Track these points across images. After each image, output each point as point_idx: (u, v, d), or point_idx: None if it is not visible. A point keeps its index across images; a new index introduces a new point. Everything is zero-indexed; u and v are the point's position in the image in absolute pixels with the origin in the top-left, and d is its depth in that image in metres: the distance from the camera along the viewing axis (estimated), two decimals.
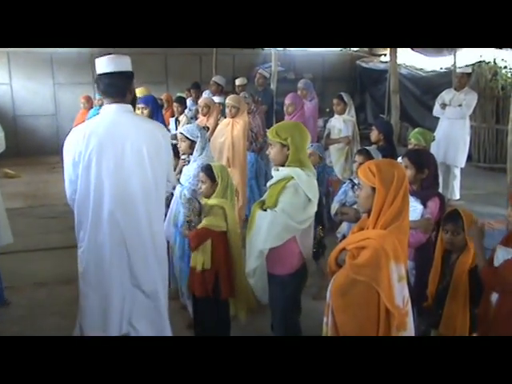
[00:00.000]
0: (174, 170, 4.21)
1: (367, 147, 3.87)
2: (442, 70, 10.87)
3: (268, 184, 2.99)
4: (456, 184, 7.19)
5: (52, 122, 10.99)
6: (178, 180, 4.00)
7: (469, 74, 7.24)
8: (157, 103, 5.00)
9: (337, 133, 5.80)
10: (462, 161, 7.09)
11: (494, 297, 2.62)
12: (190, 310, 3.84)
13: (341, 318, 2.30)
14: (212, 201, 3.37)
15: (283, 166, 2.89)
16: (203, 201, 3.47)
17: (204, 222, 3.33)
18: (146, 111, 4.95)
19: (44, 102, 10.86)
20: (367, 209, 2.33)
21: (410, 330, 2.29)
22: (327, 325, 2.39)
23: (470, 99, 6.90)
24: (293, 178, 2.81)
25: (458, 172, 7.12)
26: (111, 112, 2.72)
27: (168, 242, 4.12)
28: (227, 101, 5.47)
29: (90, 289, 2.78)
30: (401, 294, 2.23)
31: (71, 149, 2.68)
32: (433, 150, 6.92)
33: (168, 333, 2.89)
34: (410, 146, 4.47)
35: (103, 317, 2.75)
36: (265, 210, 2.86)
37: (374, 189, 2.27)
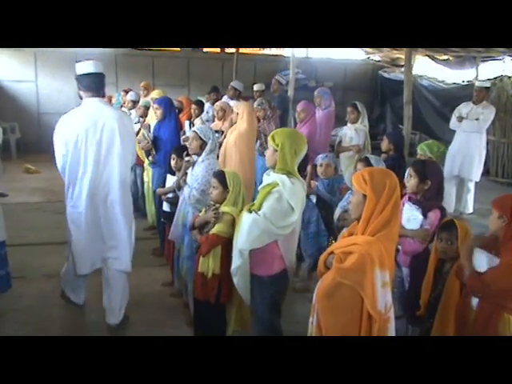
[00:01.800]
0: (179, 170, 4.32)
1: (368, 155, 3.92)
2: (463, 83, 10.83)
3: (259, 188, 3.07)
4: (470, 198, 7.14)
5: None
6: (185, 181, 4.10)
7: (487, 88, 7.18)
8: (170, 105, 5.11)
9: (348, 141, 5.86)
10: (476, 175, 7.03)
11: (475, 301, 2.65)
12: (192, 309, 3.93)
13: (325, 319, 2.36)
14: (224, 208, 3.40)
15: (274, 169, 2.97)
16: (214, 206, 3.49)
17: (215, 228, 3.36)
18: (159, 111, 5.15)
19: (68, 101, 11.07)
20: (358, 215, 2.39)
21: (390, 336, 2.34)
22: (312, 324, 2.46)
23: (487, 113, 6.84)
24: (278, 184, 2.88)
25: (472, 186, 7.08)
26: (93, 103, 3.63)
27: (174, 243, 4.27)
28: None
29: (74, 236, 3.78)
30: (384, 300, 2.28)
31: (63, 130, 3.60)
32: (448, 162, 6.99)
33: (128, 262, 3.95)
34: (417, 156, 4.50)
35: (83, 256, 3.81)
36: (251, 213, 2.94)
37: (365, 196, 2.33)
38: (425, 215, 3.20)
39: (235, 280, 3.07)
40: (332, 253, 2.44)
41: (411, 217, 3.24)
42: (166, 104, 5.11)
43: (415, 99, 12.12)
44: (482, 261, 2.63)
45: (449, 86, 11.37)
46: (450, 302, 2.85)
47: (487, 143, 9.11)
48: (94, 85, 3.62)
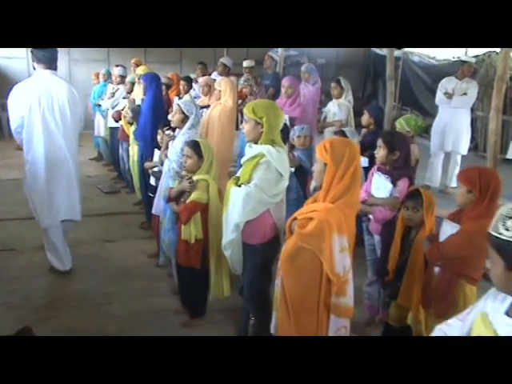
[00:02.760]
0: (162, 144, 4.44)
1: (344, 128, 4.02)
2: (453, 60, 10.83)
3: (242, 161, 3.14)
4: (456, 172, 7.25)
5: None
6: (166, 155, 4.20)
7: (472, 64, 7.27)
8: (151, 80, 5.12)
9: (332, 116, 5.96)
10: (464, 148, 7.17)
11: (437, 269, 2.78)
12: (176, 278, 4.08)
13: (288, 281, 2.50)
14: (198, 176, 3.55)
15: (256, 142, 3.03)
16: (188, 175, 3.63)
17: (193, 196, 3.51)
18: (141, 86, 5.31)
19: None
20: (320, 182, 2.51)
21: (349, 297, 2.50)
22: (277, 286, 2.60)
23: (473, 88, 6.94)
24: (265, 155, 2.95)
25: (459, 159, 7.19)
26: (45, 74, 4.17)
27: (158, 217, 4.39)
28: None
29: (33, 192, 4.31)
30: (342, 264, 2.42)
31: (17, 96, 4.12)
32: (436, 138, 7.15)
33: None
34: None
35: (43, 211, 4.32)
36: (239, 186, 3.01)
37: (326, 165, 2.44)
38: (394, 184, 3.32)
39: (228, 253, 3.15)
40: (295, 218, 2.56)
41: (381, 186, 3.37)
42: (146, 79, 5.17)
43: (406, 76, 12.17)
44: (450, 231, 2.74)
45: (439, 62, 11.37)
46: (415, 267, 2.99)
47: (475, 119, 9.27)
48: (46, 58, 4.14)
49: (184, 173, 3.67)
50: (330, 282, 2.43)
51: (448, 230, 2.70)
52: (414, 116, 4.78)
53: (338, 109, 5.90)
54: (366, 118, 4.94)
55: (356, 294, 3.63)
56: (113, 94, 7.37)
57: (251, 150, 3.06)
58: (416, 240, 3.03)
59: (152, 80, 5.13)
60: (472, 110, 10.17)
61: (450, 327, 1.70)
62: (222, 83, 5.56)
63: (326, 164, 2.45)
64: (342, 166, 2.40)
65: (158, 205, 4.24)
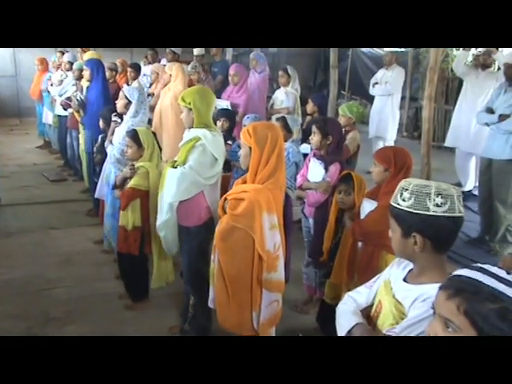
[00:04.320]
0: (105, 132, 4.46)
1: (286, 115, 4.16)
2: (400, 50, 11.16)
3: (179, 145, 3.21)
4: None
5: (12, 84, 10.94)
6: (111, 141, 4.22)
7: (396, 53, 7.93)
8: (97, 67, 5.11)
9: (279, 104, 6.08)
10: (391, 134, 7.64)
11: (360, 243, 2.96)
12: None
13: (223, 258, 2.63)
14: (138, 163, 3.60)
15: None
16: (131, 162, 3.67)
17: (131, 183, 3.56)
18: (86, 73, 5.25)
19: (4, 63, 10.80)
20: (246, 166, 2.62)
21: (279, 273, 2.63)
22: (214, 262, 2.72)
23: (395, 76, 7.39)
24: (200, 138, 3.04)
25: (388, 144, 7.51)
26: None
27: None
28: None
29: None
30: (272, 241, 2.55)
31: None
32: (370, 124, 7.69)
33: None
34: (338, 118, 4.79)
35: None
36: (175, 168, 3.08)
37: (251, 149, 2.55)
38: (326, 169, 3.47)
39: (162, 234, 3.22)
40: (226, 199, 2.67)
41: (316, 171, 3.52)
42: (92, 66, 5.14)
43: (356, 66, 12.46)
44: (369, 208, 2.91)
45: (387, 52, 11.67)
46: (347, 247, 3.14)
47: (420, 108, 9.62)
48: None
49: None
50: (261, 259, 2.55)
51: (367, 207, 2.86)
52: (355, 103, 4.97)
53: (285, 96, 6.03)
54: (310, 107, 5.12)
55: (297, 275, 3.85)
56: (61, 82, 7.26)
57: (189, 134, 3.14)
58: (347, 222, 3.19)
59: (98, 66, 5.10)
60: (416, 99, 10.65)
61: (359, 294, 1.85)
62: (173, 68, 5.57)
63: (251, 148, 2.56)
64: (267, 149, 2.52)
65: (101, 189, 4.28)
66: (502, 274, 1.14)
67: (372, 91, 7.73)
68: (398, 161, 2.71)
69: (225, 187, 4.38)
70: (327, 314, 2.84)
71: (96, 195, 4.44)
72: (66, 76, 7.26)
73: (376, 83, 7.57)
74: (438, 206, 1.51)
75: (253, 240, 2.52)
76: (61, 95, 7.09)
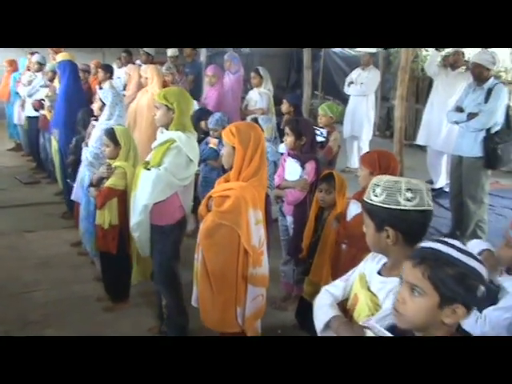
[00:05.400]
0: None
1: (258, 116, 4.21)
2: (371, 50, 11.32)
3: (153, 146, 3.22)
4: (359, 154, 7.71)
5: None
6: (86, 144, 4.21)
7: (372, 54, 8.01)
8: (64, 68, 5.03)
9: (253, 104, 6.15)
10: (367, 134, 7.72)
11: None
12: (98, 265, 4.12)
13: (208, 255, 2.66)
14: (116, 163, 3.60)
15: (167, 128, 3.13)
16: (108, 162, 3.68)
17: (108, 182, 3.56)
18: (58, 74, 5.24)
19: None
20: (230, 165, 2.67)
21: (264, 267, 2.71)
22: (197, 261, 2.75)
23: (371, 77, 7.50)
24: (175, 140, 3.06)
25: (363, 144, 7.65)
26: None
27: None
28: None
29: None
30: (257, 236, 2.62)
31: None
32: (345, 123, 7.70)
33: None
34: (318, 117, 4.88)
35: None
36: (148, 170, 3.09)
37: (234, 148, 2.60)
38: (303, 167, 3.54)
39: (136, 234, 3.23)
40: (211, 197, 2.71)
41: (292, 170, 3.59)
42: (60, 67, 5.11)
43: (328, 66, 12.61)
44: (356, 211, 2.96)
45: (359, 53, 11.84)
46: (327, 244, 3.22)
47: (391, 108, 9.78)
48: None
49: (107, 160, 3.71)
50: (246, 255, 2.61)
51: (353, 209, 2.91)
52: (334, 103, 5.08)
53: (259, 97, 6.10)
54: (285, 107, 5.20)
55: (274, 273, 3.90)
56: (30, 82, 7.17)
57: (162, 136, 3.17)
58: (328, 220, 3.26)
59: (65, 67, 5.06)
60: (388, 99, 10.84)
61: (335, 287, 1.91)
62: (148, 70, 5.59)
63: (233, 147, 2.61)
64: (250, 149, 2.57)
65: (77, 191, 4.26)
66: (460, 245, 1.32)
67: (347, 90, 7.79)
68: (382, 164, 2.78)
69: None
70: (306, 310, 2.87)
71: (72, 197, 4.41)
72: (36, 77, 7.18)
73: (351, 82, 7.62)
74: (408, 200, 1.58)
75: (238, 236, 2.57)
76: (30, 95, 7.02)
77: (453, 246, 1.32)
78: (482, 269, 1.30)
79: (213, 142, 4.53)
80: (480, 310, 2.07)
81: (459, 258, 1.29)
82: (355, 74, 7.69)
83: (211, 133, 4.58)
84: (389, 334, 1.33)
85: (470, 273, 1.28)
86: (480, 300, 1.30)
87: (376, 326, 1.40)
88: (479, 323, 2.05)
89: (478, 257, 1.33)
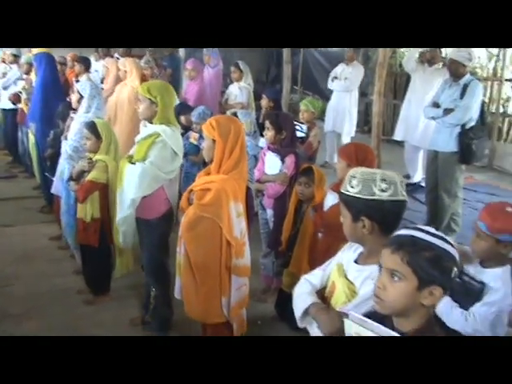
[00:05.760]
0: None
1: (238, 110, 4.26)
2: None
3: (136, 139, 3.23)
4: None
5: None
6: (65, 137, 4.20)
7: (355, 50, 7.98)
8: (40, 60, 4.97)
9: (233, 98, 6.18)
10: (349, 130, 7.76)
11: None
12: (78, 258, 4.12)
13: (190, 248, 2.70)
14: (97, 156, 3.61)
15: (150, 121, 3.14)
16: (88, 155, 3.68)
17: (90, 176, 3.56)
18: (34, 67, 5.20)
19: None
20: (210, 158, 2.70)
21: (246, 258, 2.78)
22: (180, 253, 2.79)
23: (355, 73, 7.53)
24: (160, 134, 3.07)
25: (344, 140, 7.69)
26: None
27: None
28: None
29: None
30: (239, 228, 2.66)
31: None
32: (326, 119, 7.72)
33: None
34: (300, 113, 4.95)
35: None
36: (133, 164, 3.11)
37: (214, 141, 2.64)
38: (283, 161, 3.59)
39: (123, 228, 3.25)
40: (192, 190, 2.74)
41: (272, 164, 3.64)
42: (36, 59, 5.06)
43: (308, 61, 12.68)
44: (332, 201, 3.03)
45: (339, 48, 11.95)
46: (306, 237, 3.28)
47: (369, 103, 9.90)
48: None
49: (87, 154, 3.71)
50: (229, 246, 2.65)
51: (331, 199, 2.97)
52: (314, 98, 5.17)
53: (239, 91, 6.13)
54: (265, 102, 5.25)
55: (254, 266, 3.95)
56: (4, 74, 7.07)
57: (146, 130, 3.17)
58: (307, 213, 3.32)
59: (41, 59, 5.00)
60: (366, 94, 10.95)
61: (314, 276, 1.97)
62: (126, 63, 5.57)
63: (214, 140, 2.64)
64: (230, 141, 2.61)
65: (57, 185, 4.25)
66: (432, 230, 1.40)
67: (331, 85, 7.76)
68: (359, 156, 2.85)
69: None
70: (285, 302, 2.94)
71: (52, 191, 4.40)
72: (11, 69, 7.09)
73: (335, 77, 7.60)
74: (382, 191, 1.65)
75: (220, 228, 2.61)
76: (5, 88, 6.93)
77: (427, 232, 1.40)
78: (454, 251, 1.38)
79: (193, 137, 4.55)
80: (466, 308, 2.16)
81: (434, 242, 1.37)
82: (339, 69, 7.66)
83: (194, 126, 4.60)
84: (367, 320, 1.38)
85: (445, 255, 1.36)
86: (454, 281, 1.39)
87: (355, 315, 1.45)
88: (470, 321, 2.14)
89: (449, 239, 1.41)
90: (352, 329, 1.43)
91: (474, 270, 2.24)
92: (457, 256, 1.38)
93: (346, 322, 1.45)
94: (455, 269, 1.37)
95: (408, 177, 6.98)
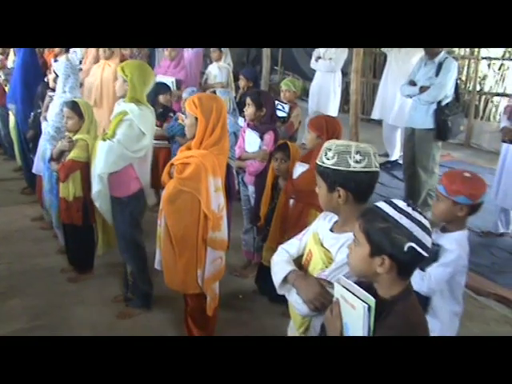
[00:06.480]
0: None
1: (217, 89, 4.30)
2: None
3: (111, 117, 3.28)
4: None
5: None
6: (45, 117, 4.19)
7: None
8: None
9: (213, 79, 6.20)
10: (333, 110, 7.71)
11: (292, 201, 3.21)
12: (60, 238, 4.15)
13: (170, 221, 2.77)
14: (78, 135, 3.63)
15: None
16: (68, 135, 3.69)
17: (71, 155, 3.58)
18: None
19: None
20: (192, 135, 2.75)
21: (223, 232, 2.83)
22: (160, 226, 2.85)
23: (339, 53, 7.49)
24: (128, 113, 3.11)
25: None
26: None
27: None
28: None
29: None
30: (217, 202, 2.73)
31: None
32: (310, 99, 7.69)
33: None
34: (281, 93, 5.01)
35: None
36: (104, 141, 3.16)
37: (197, 119, 2.69)
38: (262, 138, 3.66)
39: (97, 204, 3.33)
40: (173, 164, 2.80)
41: (252, 141, 3.70)
42: None
43: None
44: (301, 170, 3.13)
45: None
46: (282, 211, 3.36)
47: (349, 83, 9.96)
48: None
49: (67, 133, 3.72)
50: (206, 220, 2.72)
51: (299, 169, 3.11)
52: (295, 78, 5.22)
53: (218, 71, 6.15)
54: (243, 82, 5.32)
55: (236, 242, 4.03)
56: None
57: (119, 107, 3.22)
58: (283, 188, 3.39)
59: None
60: (346, 73, 11.00)
61: (291, 245, 2.04)
62: None
63: (196, 118, 2.69)
64: (212, 119, 2.66)
65: (38, 164, 4.26)
66: (403, 205, 1.46)
67: (314, 65, 7.63)
68: (329, 128, 2.93)
69: (165, 159, 4.52)
70: (265, 275, 3.03)
71: (33, 170, 4.41)
72: None
73: (319, 57, 7.47)
74: (357, 162, 1.72)
75: (198, 202, 2.68)
76: None
77: (394, 206, 1.45)
78: (414, 228, 1.40)
79: (181, 118, 4.57)
80: (422, 269, 2.27)
81: (392, 214, 1.42)
82: (322, 50, 7.48)
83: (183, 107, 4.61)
84: (354, 285, 1.46)
85: (398, 229, 1.40)
86: (408, 255, 1.40)
87: (344, 279, 1.53)
88: (425, 281, 2.25)
89: (423, 220, 1.43)
90: (339, 293, 1.52)
91: (434, 236, 2.35)
92: (417, 234, 1.40)
93: (336, 285, 1.54)
94: (409, 244, 1.39)
95: (387, 155, 7.10)
